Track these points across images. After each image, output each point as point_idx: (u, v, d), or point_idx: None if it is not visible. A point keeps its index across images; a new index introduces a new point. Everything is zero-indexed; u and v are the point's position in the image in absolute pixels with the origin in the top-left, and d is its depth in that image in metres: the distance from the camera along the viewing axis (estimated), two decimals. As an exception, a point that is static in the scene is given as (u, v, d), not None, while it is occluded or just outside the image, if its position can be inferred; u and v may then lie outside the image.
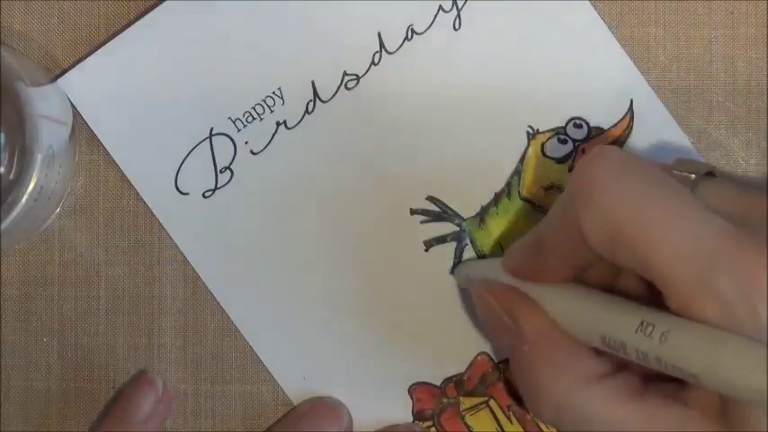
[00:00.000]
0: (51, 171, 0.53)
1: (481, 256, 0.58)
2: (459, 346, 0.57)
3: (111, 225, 0.59)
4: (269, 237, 0.57)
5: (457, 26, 0.57)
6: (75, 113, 0.57)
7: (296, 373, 0.57)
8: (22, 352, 0.59)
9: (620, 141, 0.57)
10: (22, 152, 0.51)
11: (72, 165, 0.57)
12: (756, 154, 0.57)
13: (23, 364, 0.59)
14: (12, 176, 0.51)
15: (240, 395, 0.58)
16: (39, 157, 0.52)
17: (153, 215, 0.58)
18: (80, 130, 0.58)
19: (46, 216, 0.57)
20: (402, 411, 0.57)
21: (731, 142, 0.57)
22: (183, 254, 0.58)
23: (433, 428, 0.57)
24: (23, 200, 0.52)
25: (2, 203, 0.50)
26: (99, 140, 0.57)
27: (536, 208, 0.57)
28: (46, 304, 0.59)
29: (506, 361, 0.57)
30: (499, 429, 0.57)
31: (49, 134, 0.53)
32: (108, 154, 0.58)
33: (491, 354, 0.57)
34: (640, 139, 0.57)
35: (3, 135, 0.50)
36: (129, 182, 0.58)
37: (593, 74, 0.57)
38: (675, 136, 0.57)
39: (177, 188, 0.57)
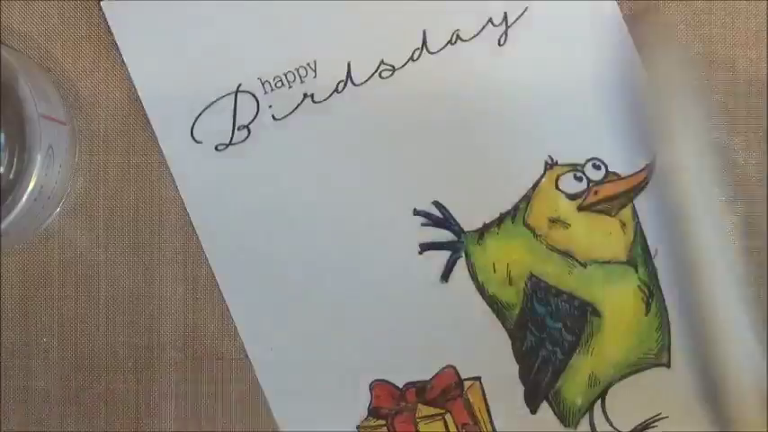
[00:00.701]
0: (51, 171, 0.53)
1: (473, 275, 0.57)
2: (429, 354, 0.57)
3: (111, 225, 0.58)
4: (270, 205, 0.57)
5: (502, 42, 0.57)
6: (74, 114, 0.57)
7: (265, 344, 0.57)
8: (21, 352, 0.58)
9: (633, 192, 0.56)
10: (21, 152, 0.50)
11: (72, 165, 0.57)
12: (756, 154, 0.58)
13: (23, 364, 0.58)
14: (12, 176, 0.50)
15: (240, 395, 0.58)
16: (39, 157, 0.51)
17: (153, 215, 0.58)
18: (80, 130, 0.57)
19: (46, 216, 0.57)
20: (359, 404, 0.57)
21: (731, 142, 0.57)
22: (182, 250, 0.58)
23: (385, 428, 0.57)
24: (23, 200, 0.51)
25: (2, 203, 0.50)
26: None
27: (537, 237, 0.57)
28: (46, 304, 0.58)
29: (473, 379, 0.57)
30: (449, 445, 0.57)
31: (49, 134, 0.52)
32: (109, 153, 0.58)
33: (457, 368, 0.57)
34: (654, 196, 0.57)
35: (3, 135, 0.49)
36: (129, 182, 0.58)
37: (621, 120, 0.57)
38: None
39: (192, 135, 0.56)
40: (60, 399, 0.58)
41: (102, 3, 0.56)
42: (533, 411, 0.57)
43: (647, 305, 0.57)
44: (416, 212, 0.57)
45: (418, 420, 0.57)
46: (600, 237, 0.57)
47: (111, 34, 0.57)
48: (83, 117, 0.57)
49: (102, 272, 0.58)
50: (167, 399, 0.58)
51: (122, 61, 0.57)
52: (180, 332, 0.58)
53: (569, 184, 0.57)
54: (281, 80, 0.57)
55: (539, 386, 0.57)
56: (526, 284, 0.57)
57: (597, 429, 0.58)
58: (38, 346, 0.58)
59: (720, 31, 0.57)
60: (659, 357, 0.57)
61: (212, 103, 0.57)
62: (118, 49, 0.57)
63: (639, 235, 0.57)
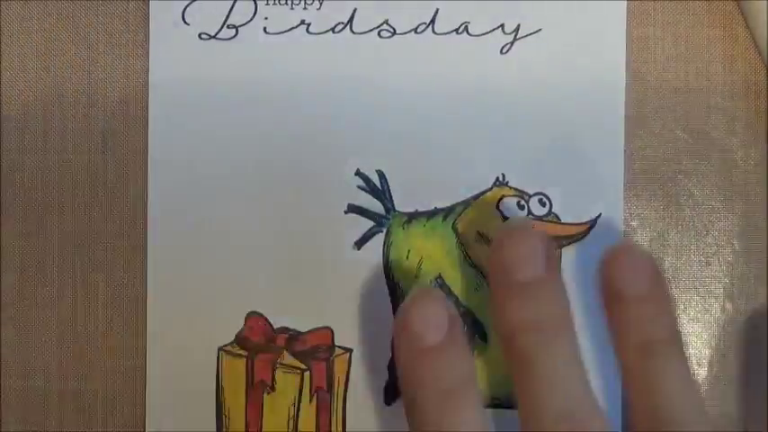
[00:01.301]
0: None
1: (386, 253, 0.58)
2: (314, 310, 0.58)
3: (109, 224, 0.58)
4: (225, 113, 0.58)
5: (505, 50, 0.57)
6: (73, 112, 0.58)
7: (166, 233, 0.57)
8: (20, 352, 0.58)
9: (565, 240, 0.56)
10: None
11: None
12: (755, 155, 0.57)
13: (22, 365, 0.58)
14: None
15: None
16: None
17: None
18: (79, 128, 0.58)
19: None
20: (230, 331, 0.57)
21: (730, 143, 0.57)
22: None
23: (245, 359, 0.57)
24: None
25: None
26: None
27: (459, 245, 0.56)
28: (44, 304, 0.58)
29: (345, 349, 0.57)
30: (297, 401, 0.57)
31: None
32: (107, 152, 0.58)
33: (334, 333, 0.57)
34: (583, 251, 0.57)
35: None
36: (128, 180, 0.58)
37: (585, 167, 0.57)
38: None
39: (183, 16, 0.57)
40: (59, 399, 0.58)
41: None
42: (388, 403, 0.57)
43: (534, 350, 0.56)
44: (358, 173, 0.57)
45: (278, 366, 0.57)
46: (517, 269, 0.56)
47: (110, 34, 0.58)
48: (82, 116, 0.58)
49: (102, 271, 0.58)
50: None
51: (122, 61, 0.58)
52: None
53: (510, 208, 0.57)
54: (285, -2, 0.57)
55: (403, 382, 0.56)
56: (431, 283, 0.57)
57: (439, 445, 0.57)
58: (36, 345, 0.59)
59: (720, 31, 0.57)
60: (524, 404, 0.56)
61: (214, -8, 0.57)
62: (117, 48, 0.58)
63: (554, 283, 0.56)
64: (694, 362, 0.57)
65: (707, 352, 0.57)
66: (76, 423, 0.58)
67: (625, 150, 0.57)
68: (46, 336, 0.58)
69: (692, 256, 0.57)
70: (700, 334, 0.57)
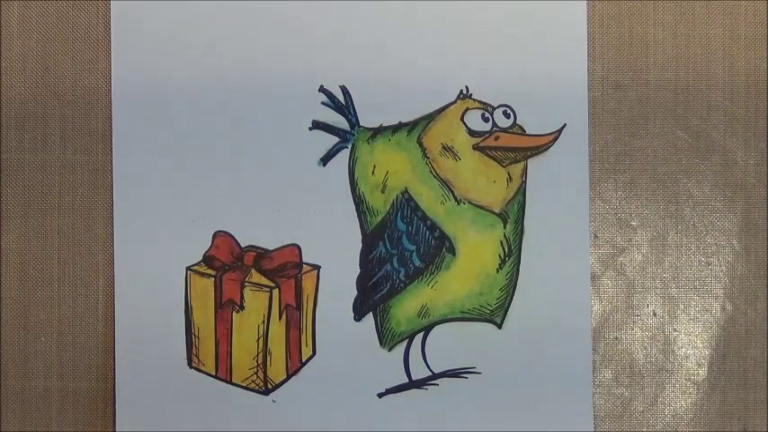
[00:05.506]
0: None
1: (351, 169, 0.58)
2: (280, 228, 0.57)
3: (109, 225, 0.58)
4: (191, 37, 0.58)
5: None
6: (73, 112, 0.58)
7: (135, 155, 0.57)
8: (20, 352, 0.59)
9: (531, 151, 0.56)
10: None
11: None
12: (755, 154, 0.57)
13: (22, 364, 0.59)
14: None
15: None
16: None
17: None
18: (79, 128, 0.58)
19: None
20: (195, 249, 0.57)
21: (730, 142, 0.57)
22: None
23: (213, 279, 0.57)
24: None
25: None
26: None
27: (424, 158, 0.56)
28: (44, 304, 0.59)
29: (313, 266, 0.57)
30: (266, 318, 0.57)
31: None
32: (107, 152, 0.58)
33: (302, 250, 0.57)
34: (550, 162, 0.57)
35: None
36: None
37: (553, 80, 0.57)
38: (578, 177, 0.57)
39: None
40: (59, 399, 0.58)
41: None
42: (357, 319, 0.57)
43: (502, 261, 0.57)
44: (322, 89, 0.56)
45: (246, 284, 0.56)
46: (483, 181, 0.56)
47: (110, 34, 0.58)
48: (81, 115, 0.58)
49: (101, 271, 0.58)
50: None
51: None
52: (177, 331, 0.57)
53: (475, 120, 0.57)
54: None
55: (371, 297, 0.57)
56: (397, 198, 0.57)
57: (409, 359, 0.57)
58: (36, 346, 0.59)
59: (720, 31, 0.57)
60: (494, 315, 0.57)
61: None
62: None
63: (521, 194, 0.56)
64: (694, 362, 0.57)
65: (707, 352, 0.57)
66: (76, 423, 0.58)
67: (589, 68, 0.57)
68: (46, 336, 0.57)
69: (692, 256, 0.57)
70: (700, 334, 0.57)
